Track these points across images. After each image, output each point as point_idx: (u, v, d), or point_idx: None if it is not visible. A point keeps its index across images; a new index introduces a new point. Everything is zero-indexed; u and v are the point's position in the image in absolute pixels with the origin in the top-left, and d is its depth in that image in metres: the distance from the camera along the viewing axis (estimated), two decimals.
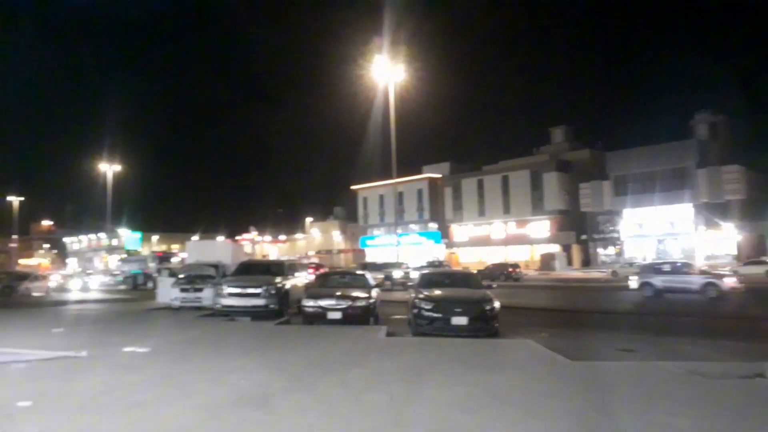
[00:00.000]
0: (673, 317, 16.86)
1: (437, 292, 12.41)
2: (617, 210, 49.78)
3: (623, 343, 11.10)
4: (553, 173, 55.73)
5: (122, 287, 37.71)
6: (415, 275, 24.94)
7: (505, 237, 59.44)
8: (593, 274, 44.75)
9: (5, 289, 33.81)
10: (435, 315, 11.41)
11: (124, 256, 54.19)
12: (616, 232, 50.37)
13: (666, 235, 47.75)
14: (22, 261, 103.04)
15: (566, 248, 54.59)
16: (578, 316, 17.39)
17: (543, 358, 8.79)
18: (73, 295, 33.48)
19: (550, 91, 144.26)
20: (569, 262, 53.43)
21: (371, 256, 67.50)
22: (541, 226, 56.63)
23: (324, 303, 13.08)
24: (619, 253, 50.08)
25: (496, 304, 11.70)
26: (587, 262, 52.61)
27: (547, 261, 51.75)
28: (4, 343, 9.87)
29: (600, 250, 52.29)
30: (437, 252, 61.68)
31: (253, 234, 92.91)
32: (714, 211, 44.12)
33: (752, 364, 7.90)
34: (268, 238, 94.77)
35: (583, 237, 53.38)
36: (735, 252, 42.73)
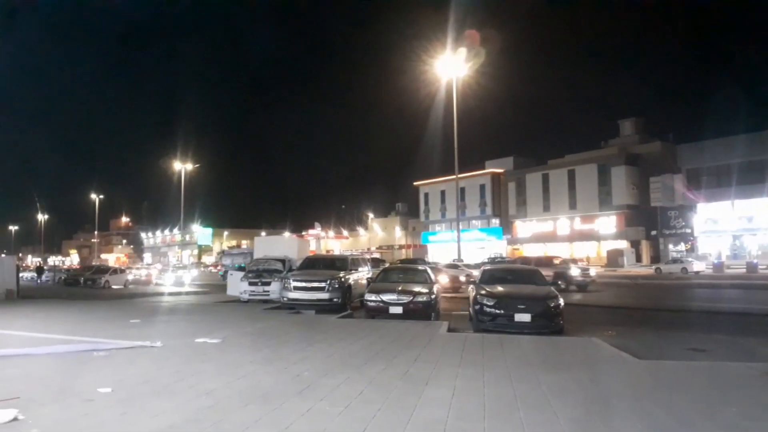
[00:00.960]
0: (750, 316, 16.03)
1: (499, 288, 12.32)
2: (690, 204, 47.57)
3: (694, 342, 10.68)
4: (622, 167, 53.89)
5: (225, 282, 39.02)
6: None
7: (571, 233, 58.00)
8: (635, 270, 43.56)
9: (87, 282, 35.98)
10: (497, 311, 11.34)
11: (226, 249, 56.81)
12: (689, 228, 48.15)
13: (743, 230, 45.25)
14: (102, 255, 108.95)
15: (635, 244, 52.70)
16: (647, 314, 16.82)
17: (609, 356, 8.59)
18: (149, 288, 35.19)
19: (619, 82, 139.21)
20: (638, 259, 51.57)
21: (432, 251, 67.45)
22: (609, 222, 54.95)
23: (386, 297, 13.23)
24: (691, 249, 47.85)
25: (561, 301, 11.51)
26: (657, 258, 50.60)
27: (614, 257, 50.17)
28: (86, 333, 10.53)
29: (671, 247, 50.16)
30: (499, 248, 60.90)
31: (318, 230, 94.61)
32: None
33: None
34: (331, 233, 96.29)
35: (653, 233, 51.34)
36: None
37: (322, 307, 15.18)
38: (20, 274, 28.68)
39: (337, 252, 72.79)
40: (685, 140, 49.97)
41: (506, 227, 64.66)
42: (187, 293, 27.69)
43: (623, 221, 53.93)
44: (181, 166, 57.82)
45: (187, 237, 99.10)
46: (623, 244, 52.69)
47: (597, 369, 7.60)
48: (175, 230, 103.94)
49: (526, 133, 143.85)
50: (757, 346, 10.47)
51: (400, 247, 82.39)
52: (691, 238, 48.32)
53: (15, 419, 4.94)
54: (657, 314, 17.05)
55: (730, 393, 6.31)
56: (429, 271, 16.13)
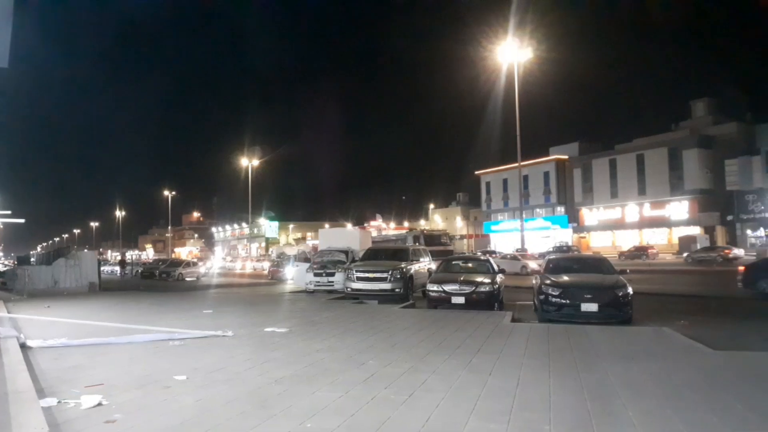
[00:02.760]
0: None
1: (565, 277, 12.10)
2: None
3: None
4: (694, 150, 51.44)
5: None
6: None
7: (640, 219, 55.92)
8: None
9: (162, 275, 37.73)
10: (563, 301, 11.14)
11: (308, 249, 58.65)
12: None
13: None
14: (176, 249, 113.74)
15: (709, 230, 50.26)
16: (722, 303, 16.05)
17: (681, 346, 8.28)
18: (219, 279, 36.52)
19: (690, 62, 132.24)
20: (712, 245, 49.18)
21: (495, 241, 66.63)
22: (681, 207, 52.66)
23: (448, 288, 13.24)
24: None
25: (630, 290, 11.17)
26: (733, 244, 48.10)
27: (686, 244, 48.02)
28: (163, 323, 11.06)
29: (749, 232, 47.53)
30: (565, 236, 59.46)
31: (379, 221, 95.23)
32: None
33: None
34: (392, 224, 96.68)
35: (729, 218, 48.77)
36: None
37: (384, 298, 15.35)
38: (102, 268, 30.37)
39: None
40: (764, 120, 47.07)
41: (572, 215, 63.02)
42: (256, 284, 28.57)
43: (696, 206, 51.52)
44: (248, 162, 59.54)
45: (255, 230, 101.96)
46: (696, 230, 50.35)
47: (669, 359, 7.35)
48: (244, 224, 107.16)
49: (592, 118, 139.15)
50: None
51: (462, 237, 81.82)
52: None
53: (99, 404, 5.30)
54: (726, 302, 16.24)
55: None
56: (492, 261, 15.99)
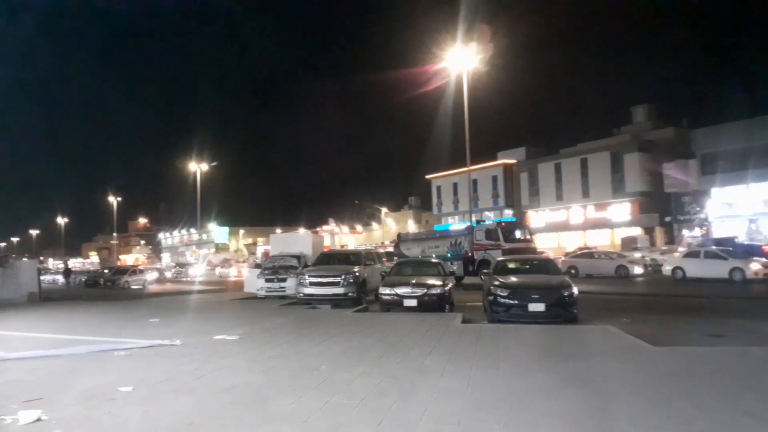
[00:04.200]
0: (765, 300, 15.91)
1: (513, 278, 12.35)
2: (704, 189, 47.07)
3: (711, 328, 10.63)
4: (635, 154, 53.36)
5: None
6: None
7: (584, 221, 57.65)
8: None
9: (107, 283, 36.48)
10: (511, 301, 11.36)
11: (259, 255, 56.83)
12: (703, 213, 47.67)
13: (759, 214, 44.71)
14: (122, 257, 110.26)
15: (649, 231, 52.28)
16: (662, 301, 16.74)
17: (624, 344, 8.58)
18: (166, 287, 35.62)
19: (630, 68, 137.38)
20: (652, 245, 51.16)
21: None
22: (622, 209, 54.51)
23: (400, 291, 13.32)
24: (706, 235, 47.40)
25: (575, 290, 11.51)
26: (672, 244, 50.15)
27: (628, 244, 49.80)
28: (107, 333, 10.72)
29: (685, 232, 49.65)
30: None
31: (332, 225, 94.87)
32: None
33: None
34: (345, 229, 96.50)
35: (668, 219, 50.88)
36: None
37: (337, 302, 15.29)
38: (42, 277, 29.18)
39: (351, 247, 73.00)
40: (700, 125, 49.33)
41: (519, 217, 64.34)
42: (205, 291, 27.99)
43: (637, 208, 53.45)
44: (197, 167, 58.26)
45: (204, 236, 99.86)
46: (637, 231, 52.25)
47: (613, 357, 7.61)
48: (192, 230, 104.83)
49: (538, 123, 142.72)
50: None
51: None
52: (706, 223, 47.80)
53: (39, 419, 5.06)
54: (670, 301, 16.96)
55: (750, 378, 6.30)
56: (443, 264, 16.22)
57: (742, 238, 43.38)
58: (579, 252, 36.12)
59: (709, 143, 46.54)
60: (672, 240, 50.47)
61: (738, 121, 44.83)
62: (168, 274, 51.17)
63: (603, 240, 54.83)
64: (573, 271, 28.29)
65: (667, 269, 25.94)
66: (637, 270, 27.96)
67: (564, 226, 59.22)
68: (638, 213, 53.39)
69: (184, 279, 47.60)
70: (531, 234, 29.00)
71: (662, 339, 8.96)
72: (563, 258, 32.35)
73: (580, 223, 57.95)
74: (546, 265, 13.75)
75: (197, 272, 51.39)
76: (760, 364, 7.07)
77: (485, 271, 15.05)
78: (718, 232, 46.55)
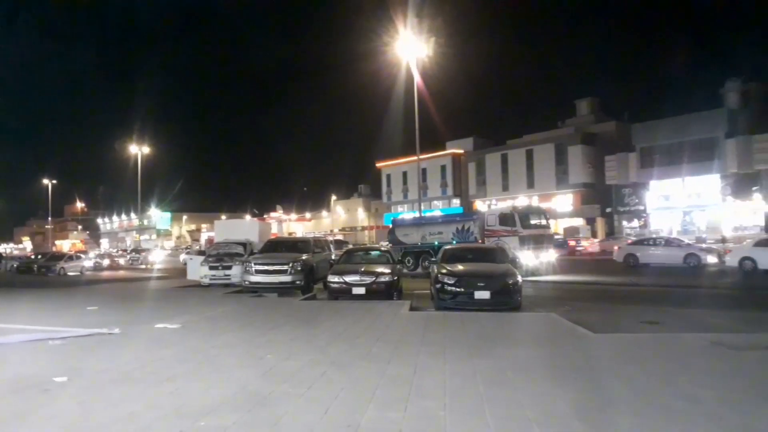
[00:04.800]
0: (697, 289, 16.71)
1: (460, 266, 12.51)
2: (643, 182, 48.95)
3: (646, 315, 11.07)
4: (578, 146, 54.96)
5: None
6: None
7: None
8: None
9: (41, 269, 34.91)
10: (458, 289, 11.52)
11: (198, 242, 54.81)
12: (642, 205, 49.62)
13: (692, 207, 46.89)
14: (57, 242, 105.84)
15: (591, 221, 54.05)
16: (601, 289, 17.33)
17: (566, 331, 8.83)
18: (107, 273, 34.44)
19: (575, 63, 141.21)
20: (593, 235, 52.93)
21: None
22: (566, 200, 56.13)
23: (349, 279, 13.30)
24: (644, 226, 49.40)
25: (519, 278, 11.78)
26: (612, 234, 52.03)
27: (570, 234, 51.36)
28: (41, 321, 10.25)
29: (625, 223, 51.63)
30: None
31: (280, 212, 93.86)
32: (743, 181, 43.08)
33: None
34: (294, 216, 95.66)
35: (608, 210, 52.72)
36: (763, 223, 41.76)
37: (284, 290, 15.14)
38: None
39: (299, 234, 72.52)
40: (640, 119, 51.19)
41: (467, 207, 65.29)
42: (147, 279, 27.19)
43: (579, 199, 55.14)
44: (138, 150, 56.36)
45: (145, 221, 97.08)
46: (579, 222, 53.93)
47: (555, 344, 7.82)
48: (133, 215, 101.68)
49: (487, 114, 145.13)
50: (705, 317, 10.93)
51: (363, 228, 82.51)
52: (644, 215, 49.79)
53: None
54: (611, 289, 17.58)
55: (683, 362, 6.58)
56: (391, 252, 16.29)
57: (677, 230, 45.51)
58: (638, 238, 32.16)
59: (647, 137, 48.37)
60: (612, 231, 52.33)
61: (674, 116, 46.77)
62: (121, 261, 48.88)
63: None
64: (631, 261, 25.60)
65: (730, 260, 22.64)
66: (710, 259, 24.54)
67: None
68: (580, 204, 55.10)
69: (142, 266, 45.52)
70: (547, 219, 26.57)
71: (601, 326, 9.25)
72: (619, 245, 28.99)
73: None
74: (492, 254, 14.01)
75: (156, 258, 49.33)
76: (693, 349, 7.39)
77: (432, 259, 15.19)
78: (655, 224, 48.66)
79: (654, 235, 33.37)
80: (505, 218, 23.76)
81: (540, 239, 23.23)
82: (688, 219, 47.50)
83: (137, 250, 55.19)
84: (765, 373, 6.17)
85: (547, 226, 25.72)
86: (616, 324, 10.25)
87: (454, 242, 24.20)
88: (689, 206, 47.02)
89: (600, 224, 54.48)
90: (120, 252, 60.35)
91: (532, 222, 23.96)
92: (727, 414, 4.69)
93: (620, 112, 58.73)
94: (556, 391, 5.34)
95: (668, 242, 26.68)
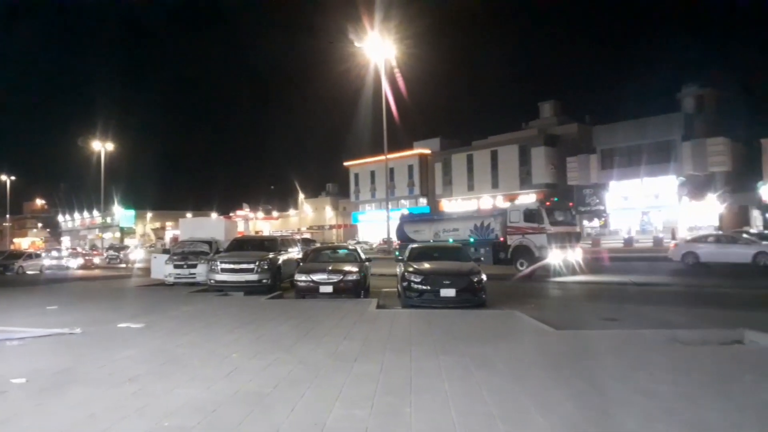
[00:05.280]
0: (656, 286, 17.17)
1: (426, 265, 12.62)
2: (603, 183, 50.10)
3: (607, 312, 11.34)
4: (541, 147, 55.94)
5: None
6: None
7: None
8: None
9: None
10: (424, 287, 11.64)
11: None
12: (602, 205, 50.77)
13: (650, 207, 48.22)
14: (16, 240, 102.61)
15: None
16: (563, 287, 17.65)
17: (529, 327, 8.99)
18: (68, 272, 33.54)
19: (540, 66, 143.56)
20: None
21: (362, 231, 67.86)
22: (529, 200, 57.00)
23: (316, 277, 13.27)
24: (604, 225, 50.60)
25: (483, 276, 11.95)
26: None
27: None
28: None
29: (585, 223, 52.73)
30: None
31: (246, 211, 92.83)
32: (698, 183, 44.52)
33: (730, 331, 8.15)
34: (260, 214, 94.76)
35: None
36: (717, 223, 43.18)
37: (251, 289, 15.00)
38: None
39: (266, 233, 71.96)
40: (601, 122, 52.34)
41: (433, 206, 65.75)
42: (110, 277, 26.59)
43: (542, 199, 56.18)
44: (101, 146, 55.04)
45: (108, 219, 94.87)
46: None
47: (519, 340, 7.96)
48: (95, 212, 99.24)
49: (453, 115, 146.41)
50: (663, 314, 11.24)
51: (331, 227, 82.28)
52: (605, 215, 50.96)
53: None
54: (573, 286, 17.93)
55: (641, 358, 6.77)
56: (359, 250, 16.32)
57: (635, 230, 46.66)
58: (699, 236, 28.87)
59: (608, 139, 49.55)
60: None
61: (633, 119, 48.06)
62: (96, 260, 46.34)
63: None
64: (690, 260, 23.21)
65: None
66: None
67: None
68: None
69: (122, 265, 43.11)
70: (573, 215, 24.66)
71: (563, 323, 9.44)
72: (675, 242, 26.76)
73: None
74: (457, 252, 14.18)
75: (137, 257, 46.86)
76: (650, 345, 7.62)
77: (399, 257, 15.18)
78: (614, 224, 49.87)
79: (715, 232, 31.44)
80: (531, 214, 22.08)
81: (567, 237, 21.81)
82: (646, 219, 48.84)
83: (116, 248, 52.81)
84: (718, 367, 6.37)
85: (574, 223, 24.01)
86: (578, 321, 10.44)
87: (472, 240, 23.31)
88: (647, 206, 48.32)
89: None
90: (93, 250, 57.91)
91: (559, 218, 22.44)
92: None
93: (582, 115, 59.94)
94: (519, 387, 5.45)
95: (732, 239, 24.09)
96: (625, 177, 48.24)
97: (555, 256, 20.98)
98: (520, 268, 21.54)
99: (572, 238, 22.52)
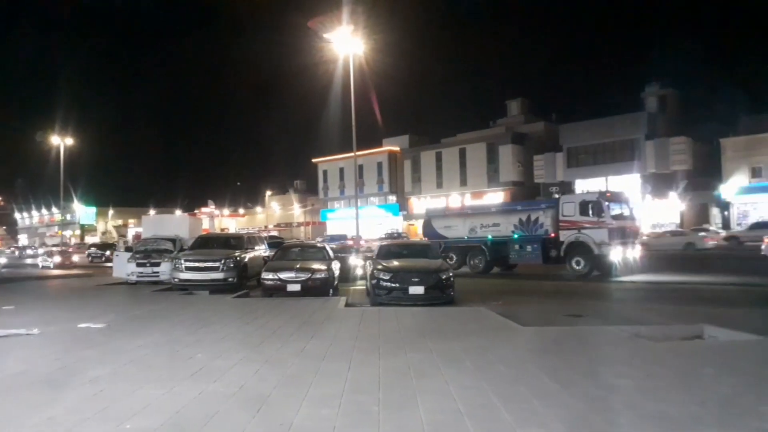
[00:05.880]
0: (622, 283, 17.54)
1: (395, 262, 12.64)
2: (569, 181, 50.95)
3: (572, 309, 11.52)
4: (509, 145, 56.54)
5: None
6: None
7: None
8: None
9: None
10: (393, 285, 11.66)
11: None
12: None
13: None
14: None
15: None
16: (531, 285, 17.89)
17: (496, 324, 9.07)
18: (27, 271, 32.55)
19: (507, 64, 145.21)
20: None
21: (331, 228, 67.63)
22: (496, 198, 57.49)
23: (284, 275, 13.17)
24: None
25: (451, 274, 12.04)
26: None
27: None
28: None
29: None
30: (396, 224, 62.15)
31: (212, 208, 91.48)
32: (661, 181, 45.64)
33: (691, 327, 8.37)
34: (226, 211, 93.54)
35: None
36: (678, 221, 44.35)
37: (216, 288, 14.78)
38: None
39: (232, 231, 71.05)
40: (567, 120, 53.21)
41: (402, 204, 65.93)
42: (69, 276, 25.90)
43: (510, 197, 56.64)
44: (60, 141, 53.51)
45: (68, 216, 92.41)
46: None
47: (486, 337, 8.01)
48: (54, 209, 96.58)
49: (422, 112, 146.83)
50: (626, 310, 11.50)
51: (299, 224, 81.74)
52: None
53: None
54: (535, 283, 18.20)
55: (604, 354, 6.90)
56: (327, 248, 16.23)
57: None
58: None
59: (573, 138, 50.42)
60: None
61: (598, 118, 49.01)
62: (75, 258, 44.15)
63: None
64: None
65: None
66: None
67: None
68: (510, 201, 56.77)
69: (108, 264, 41.06)
70: (632, 209, 21.72)
71: (529, 319, 9.56)
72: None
73: None
74: (426, 250, 14.24)
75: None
76: (614, 341, 7.76)
77: (371, 257, 14.55)
78: None
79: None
80: (588, 206, 19.72)
81: (627, 233, 19.89)
82: None
83: (99, 246, 50.29)
84: (679, 362, 6.53)
85: (634, 217, 21.41)
86: (544, 317, 10.59)
87: (516, 236, 21.15)
88: None
89: None
90: (70, 247, 55.28)
91: (622, 212, 20.41)
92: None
93: (549, 113, 60.87)
94: (485, 384, 5.49)
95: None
96: (591, 175, 49.14)
97: (616, 254, 18.97)
98: (576, 267, 19.56)
99: (633, 234, 20.63)
